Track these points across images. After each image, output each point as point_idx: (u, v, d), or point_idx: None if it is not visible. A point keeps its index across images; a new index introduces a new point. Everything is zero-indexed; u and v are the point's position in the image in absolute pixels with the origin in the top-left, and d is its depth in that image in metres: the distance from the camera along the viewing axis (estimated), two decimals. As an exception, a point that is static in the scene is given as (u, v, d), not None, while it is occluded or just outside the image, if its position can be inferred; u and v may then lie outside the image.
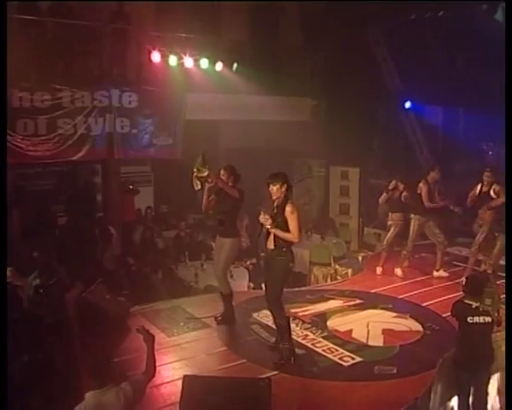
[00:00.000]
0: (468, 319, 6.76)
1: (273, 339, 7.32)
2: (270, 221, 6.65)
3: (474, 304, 6.79)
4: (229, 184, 7.77)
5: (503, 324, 7.26)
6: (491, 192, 9.67)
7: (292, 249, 6.91)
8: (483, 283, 7.12)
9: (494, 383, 7.64)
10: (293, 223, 6.71)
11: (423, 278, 10.36)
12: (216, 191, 7.82)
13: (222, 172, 7.79)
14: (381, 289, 9.84)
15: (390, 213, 10.80)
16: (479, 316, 6.76)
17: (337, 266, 12.32)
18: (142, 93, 11.69)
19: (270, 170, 7.06)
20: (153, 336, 5.02)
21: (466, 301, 6.90)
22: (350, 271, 11.82)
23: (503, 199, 9.68)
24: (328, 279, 11.91)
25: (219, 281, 8.13)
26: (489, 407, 7.38)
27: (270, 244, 6.87)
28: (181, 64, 11.92)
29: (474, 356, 6.86)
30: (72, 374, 5.67)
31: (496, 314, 6.95)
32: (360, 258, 12.65)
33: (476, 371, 6.98)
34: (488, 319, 6.80)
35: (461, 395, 7.06)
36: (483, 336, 6.86)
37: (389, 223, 10.87)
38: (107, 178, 12.42)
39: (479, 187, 9.76)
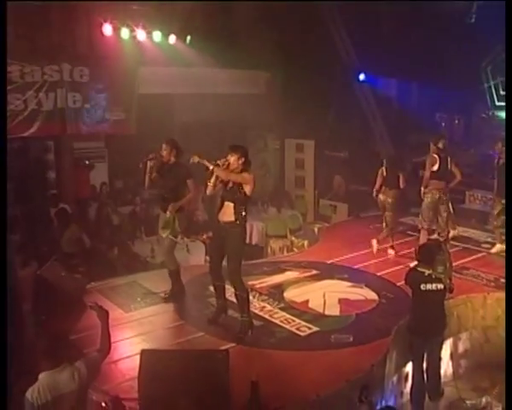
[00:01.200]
0: (421, 286, 6.93)
1: (232, 311, 7.35)
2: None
3: (427, 272, 6.95)
4: (172, 158, 7.66)
5: (455, 290, 7.48)
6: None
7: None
8: (435, 251, 7.28)
9: (447, 349, 7.86)
10: (244, 177, 6.74)
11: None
12: (158, 168, 7.67)
13: (164, 146, 7.64)
14: (337, 259, 9.94)
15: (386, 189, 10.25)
16: (431, 283, 6.92)
17: (293, 238, 12.44)
18: (93, 67, 11.47)
19: (226, 143, 7.05)
20: (106, 312, 4.97)
21: (419, 269, 7.06)
22: (306, 242, 11.94)
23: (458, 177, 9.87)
24: (285, 251, 12.03)
25: (166, 258, 8.03)
26: (442, 371, 7.60)
27: (228, 217, 6.82)
28: (133, 37, 11.72)
29: (428, 322, 7.04)
30: (25, 354, 5.59)
31: (448, 281, 7.12)
32: (316, 229, 12.77)
33: (429, 337, 7.16)
34: (440, 286, 6.97)
35: (415, 361, 7.25)
36: (436, 302, 7.04)
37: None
38: (60, 155, 12.20)
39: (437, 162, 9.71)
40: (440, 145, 9.81)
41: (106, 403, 5.43)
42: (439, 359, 7.44)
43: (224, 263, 7.08)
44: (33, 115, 10.86)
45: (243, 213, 6.82)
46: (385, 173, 10.25)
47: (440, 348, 7.39)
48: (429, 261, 7.04)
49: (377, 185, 10.33)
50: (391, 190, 10.21)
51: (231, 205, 6.78)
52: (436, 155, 9.60)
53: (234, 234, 6.83)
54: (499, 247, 10.28)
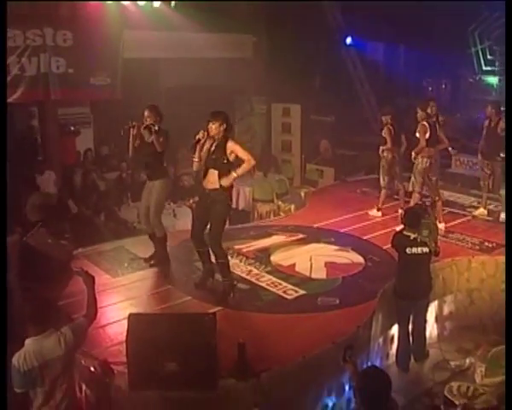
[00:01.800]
0: (407, 249, 6.99)
1: (218, 275, 7.37)
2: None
3: (412, 235, 7.01)
4: (156, 126, 7.54)
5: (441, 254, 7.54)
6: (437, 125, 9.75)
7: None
8: (420, 215, 7.33)
9: (432, 311, 7.96)
10: (241, 150, 6.74)
11: (364, 212, 10.52)
12: (140, 136, 7.61)
13: (146, 113, 7.54)
14: (324, 223, 9.96)
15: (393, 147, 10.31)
16: (417, 247, 6.99)
17: (280, 203, 12.47)
18: (77, 31, 11.29)
19: (212, 108, 7.00)
20: (93, 278, 4.98)
21: (405, 232, 7.12)
22: (293, 207, 11.96)
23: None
24: (272, 215, 12.05)
25: (153, 224, 7.91)
26: (427, 333, 7.70)
27: (213, 184, 6.81)
28: (117, 0, 11.56)
29: (413, 286, 7.11)
30: (11, 321, 5.60)
31: (433, 245, 7.17)
32: (303, 194, 12.77)
33: (415, 300, 7.23)
34: (426, 249, 7.03)
35: (401, 323, 7.34)
36: (421, 266, 7.11)
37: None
38: (45, 121, 12.06)
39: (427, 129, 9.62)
40: (429, 110, 9.79)
41: (95, 367, 5.47)
42: (425, 321, 7.54)
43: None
44: (16, 81, 10.72)
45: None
46: (393, 132, 10.22)
47: (426, 310, 7.48)
48: (415, 225, 7.08)
49: (389, 144, 10.27)
50: (398, 148, 10.32)
51: (215, 172, 6.78)
52: (426, 123, 9.50)
53: (219, 202, 6.85)
54: (482, 211, 10.35)
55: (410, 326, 7.39)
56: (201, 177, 7.00)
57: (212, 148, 6.77)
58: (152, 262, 8.08)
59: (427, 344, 7.69)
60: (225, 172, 6.76)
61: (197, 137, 6.75)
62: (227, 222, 7.56)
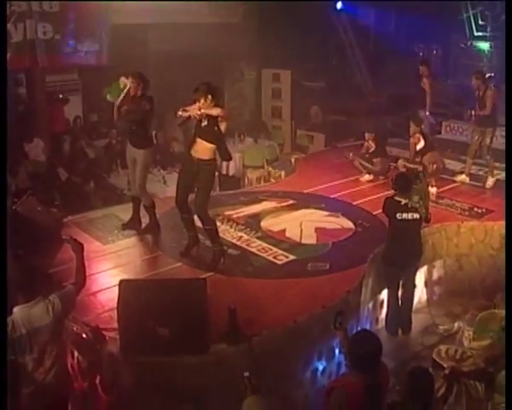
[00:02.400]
0: (397, 215, 7.00)
1: (207, 241, 7.37)
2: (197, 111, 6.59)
3: (403, 201, 7.02)
4: (139, 91, 7.43)
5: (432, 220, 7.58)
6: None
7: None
8: (411, 180, 7.33)
9: (421, 276, 8.02)
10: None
11: (354, 178, 10.53)
12: (126, 101, 7.45)
13: (130, 79, 7.41)
14: (314, 189, 9.97)
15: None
16: (407, 212, 7.00)
17: (270, 169, 12.44)
18: (63, -4, 11.14)
19: (201, 73, 6.93)
20: (81, 245, 4.98)
21: (395, 198, 7.12)
22: (283, 173, 11.92)
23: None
24: (262, 181, 12.04)
25: (139, 194, 7.89)
26: (416, 298, 7.76)
27: (203, 155, 6.78)
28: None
29: (403, 251, 7.13)
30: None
31: (424, 211, 7.19)
32: (293, 160, 12.75)
33: (405, 265, 7.26)
34: (416, 215, 7.04)
35: (390, 288, 7.39)
36: (411, 231, 7.13)
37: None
38: (33, 88, 11.93)
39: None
40: (423, 127, 9.83)
41: (86, 334, 5.49)
42: (414, 286, 7.57)
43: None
44: (3, 47, 10.57)
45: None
46: (374, 147, 10.49)
47: (415, 275, 7.53)
48: (406, 191, 7.09)
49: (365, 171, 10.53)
50: (382, 158, 10.49)
51: (207, 144, 6.74)
52: (419, 134, 9.62)
53: (207, 171, 6.86)
54: (464, 177, 10.37)
55: (400, 291, 7.44)
56: (189, 143, 6.94)
57: (204, 121, 6.67)
58: (142, 230, 8.06)
59: (417, 309, 7.76)
60: (216, 142, 6.73)
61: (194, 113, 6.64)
62: (217, 188, 7.54)
